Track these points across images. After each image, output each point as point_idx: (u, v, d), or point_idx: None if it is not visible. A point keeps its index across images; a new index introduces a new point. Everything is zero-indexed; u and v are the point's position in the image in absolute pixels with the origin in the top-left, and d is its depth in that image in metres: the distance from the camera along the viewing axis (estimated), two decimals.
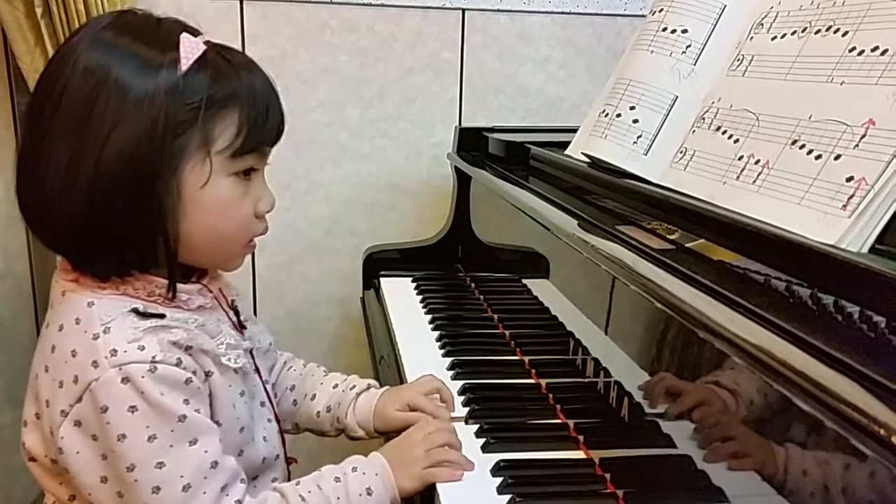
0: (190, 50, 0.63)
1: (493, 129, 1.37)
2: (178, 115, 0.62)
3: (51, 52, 1.31)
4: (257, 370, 0.78)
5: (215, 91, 0.64)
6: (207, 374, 0.67)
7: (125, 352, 0.61)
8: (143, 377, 0.61)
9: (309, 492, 0.69)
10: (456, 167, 1.41)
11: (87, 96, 0.61)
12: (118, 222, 0.63)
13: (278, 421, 0.81)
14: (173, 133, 0.62)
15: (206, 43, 0.66)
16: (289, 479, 0.81)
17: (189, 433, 0.63)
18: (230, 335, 0.71)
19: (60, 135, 0.62)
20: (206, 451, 0.63)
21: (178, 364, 0.63)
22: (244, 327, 0.78)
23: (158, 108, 0.61)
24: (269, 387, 0.81)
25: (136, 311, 0.64)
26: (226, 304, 0.76)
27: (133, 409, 0.61)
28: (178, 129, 0.62)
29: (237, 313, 0.77)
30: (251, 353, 0.77)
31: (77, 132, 0.61)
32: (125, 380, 0.60)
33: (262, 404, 0.78)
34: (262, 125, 0.67)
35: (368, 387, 0.88)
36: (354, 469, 0.72)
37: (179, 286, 0.68)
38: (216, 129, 0.65)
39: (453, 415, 0.83)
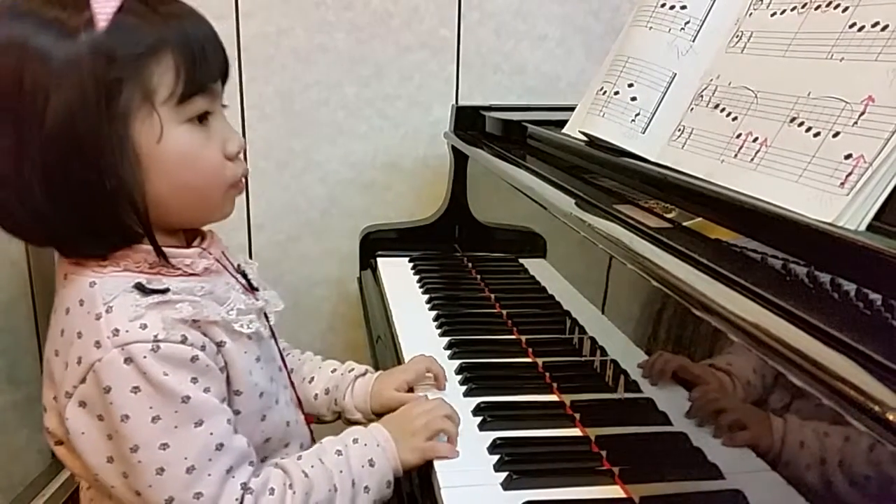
0: (102, 5, 0.60)
1: (490, 108, 1.37)
2: (108, 73, 0.59)
3: None
4: (273, 335, 0.77)
5: (141, 38, 0.60)
6: (220, 345, 0.66)
7: (127, 331, 0.60)
8: (145, 357, 0.60)
9: (312, 466, 0.69)
10: (453, 146, 1.40)
11: (12, 74, 0.58)
12: (81, 201, 0.61)
13: (294, 386, 0.81)
14: (109, 94, 0.59)
15: None
16: (313, 439, 0.81)
17: (194, 414, 0.62)
18: (240, 300, 0.69)
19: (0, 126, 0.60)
20: (211, 433, 0.63)
21: (183, 341, 0.62)
22: (255, 289, 0.76)
23: (85, 70, 0.58)
24: (284, 353, 0.81)
25: (138, 286, 0.63)
26: (232, 268, 0.75)
27: (136, 389, 0.60)
28: (114, 88, 0.59)
29: (246, 277, 0.76)
30: (266, 317, 0.75)
31: (12, 115, 0.59)
32: (128, 360, 0.60)
33: (280, 370, 0.77)
34: (202, 63, 0.63)
35: (366, 371, 0.88)
36: (356, 441, 0.72)
37: (179, 251, 0.66)
38: (154, 79, 0.61)
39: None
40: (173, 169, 0.64)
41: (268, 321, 0.76)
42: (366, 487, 0.70)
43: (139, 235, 0.64)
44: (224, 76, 0.68)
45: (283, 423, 0.75)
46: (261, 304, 0.73)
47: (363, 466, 0.70)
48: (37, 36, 0.59)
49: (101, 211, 0.62)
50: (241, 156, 0.70)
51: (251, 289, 0.76)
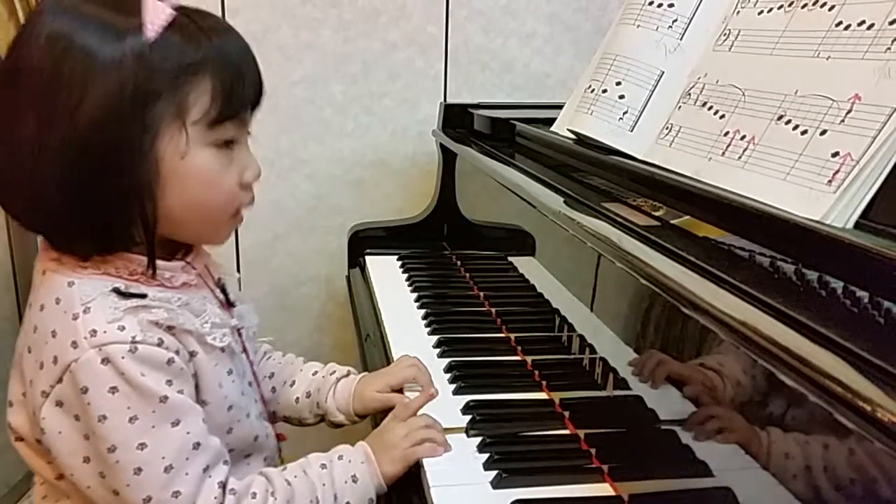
0: (154, 14, 0.60)
1: (478, 106, 1.36)
2: (147, 83, 0.60)
3: None
4: (245, 350, 0.77)
5: (185, 57, 0.61)
6: (192, 354, 0.66)
7: (105, 332, 0.60)
8: (123, 358, 0.60)
9: (295, 477, 0.69)
10: (441, 144, 1.40)
11: (53, 66, 0.59)
12: (93, 198, 0.61)
13: (264, 402, 0.81)
14: (144, 103, 0.60)
15: (175, 7, 0.63)
16: (280, 456, 0.82)
17: (171, 414, 0.62)
18: (215, 314, 0.70)
19: (28, 108, 0.60)
20: (188, 433, 0.63)
21: (160, 344, 0.62)
22: (232, 305, 0.76)
23: (126, 74, 0.59)
24: (256, 368, 0.80)
25: (116, 290, 0.63)
26: (212, 281, 0.75)
27: (114, 389, 0.60)
28: (150, 98, 0.60)
29: (224, 292, 0.76)
30: (239, 332, 0.76)
31: (45, 104, 0.59)
32: (105, 360, 0.60)
33: (250, 384, 0.77)
34: (238, 91, 0.65)
35: (348, 373, 0.88)
36: (340, 457, 0.72)
37: (162, 264, 0.66)
38: (190, 98, 0.62)
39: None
40: (190, 187, 0.65)
41: (240, 336, 0.76)
42: (347, 503, 0.70)
43: (135, 242, 0.65)
44: (256, 105, 0.69)
45: (251, 437, 0.75)
46: (234, 322, 0.74)
47: (346, 482, 0.70)
48: (84, 34, 0.59)
49: (109, 212, 0.62)
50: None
51: (228, 304, 0.76)
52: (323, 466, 0.71)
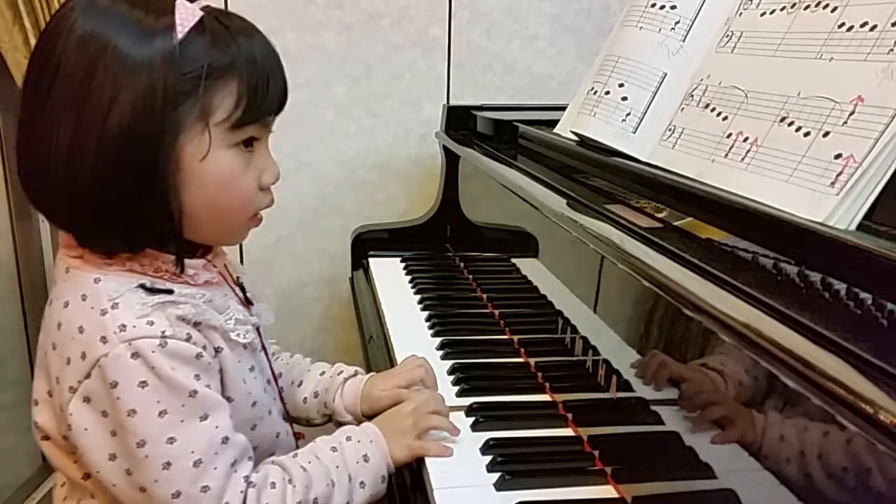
0: (185, 16, 0.61)
1: (481, 108, 1.37)
2: (175, 84, 0.60)
3: (29, 29, 1.28)
4: (264, 348, 0.78)
5: (213, 59, 0.62)
6: (217, 350, 0.66)
7: (134, 327, 0.60)
8: (153, 352, 0.60)
9: (309, 462, 0.69)
10: (444, 146, 1.40)
11: (86, 67, 0.60)
12: (123, 197, 0.62)
13: (283, 400, 0.81)
14: (172, 103, 0.61)
15: (204, 8, 0.63)
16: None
17: (200, 408, 0.62)
18: (238, 311, 0.70)
19: (60, 108, 0.61)
20: (216, 427, 0.63)
21: (188, 339, 0.62)
22: (251, 303, 0.77)
23: (156, 76, 0.60)
24: (273, 365, 0.81)
25: (143, 286, 0.63)
26: (231, 280, 0.76)
27: (143, 384, 0.60)
28: (177, 99, 0.61)
29: (243, 290, 0.77)
30: (258, 330, 0.76)
31: (77, 105, 0.60)
32: (135, 355, 0.60)
33: (269, 382, 0.77)
34: (263, 95, 0.65)
35: (355, 373, 0.88)
36: (349, 438, 0.73)
37: (185, 261, 0.67)
38: (215, 100, 0.62)
39: (450, 404, 0.80)
40: (207, 188, 0.65)
41: (259, 335, 0.77)
42: (361, 482, 0.70)
43: (160, 240, 0.65)
44: (280, 109, 0.69)
45: (272, 435, 0.75)
46: (254, 319, 0.74)
47: (358, 462, 0.71)
48: (117, 35, 0.60)
49: (139, 210, 0.63)
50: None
51: (247, 302, 0.76)
52: (333, 449, 0.71)
